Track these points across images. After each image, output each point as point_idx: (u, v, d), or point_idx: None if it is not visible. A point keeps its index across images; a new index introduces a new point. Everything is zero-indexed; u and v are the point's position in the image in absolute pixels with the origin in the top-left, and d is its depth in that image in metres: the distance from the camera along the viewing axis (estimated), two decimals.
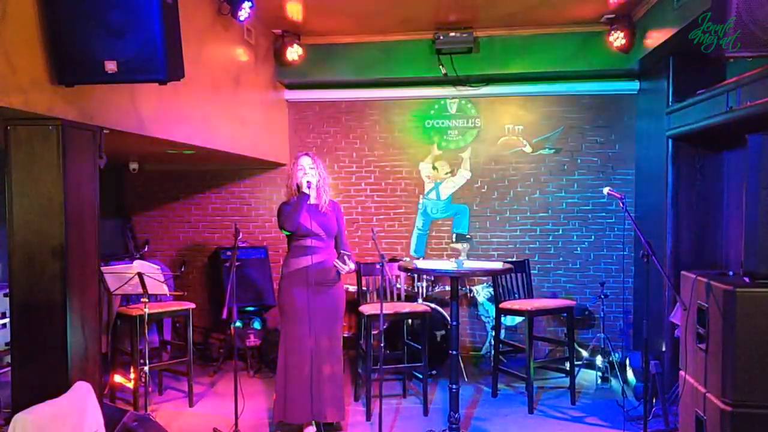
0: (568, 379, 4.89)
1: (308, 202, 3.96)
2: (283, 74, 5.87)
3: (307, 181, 3.93)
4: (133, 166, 6.03)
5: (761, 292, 3.01)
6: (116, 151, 4.56)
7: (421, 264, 4.37)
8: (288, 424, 4.07)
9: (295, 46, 5.60)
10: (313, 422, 4.04)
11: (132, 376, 4.40)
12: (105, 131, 3.23)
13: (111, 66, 2.67)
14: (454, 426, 3.88)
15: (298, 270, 3.98)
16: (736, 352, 3.00)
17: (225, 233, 6.43)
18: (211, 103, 4.45)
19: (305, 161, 4.00)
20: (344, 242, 4.16)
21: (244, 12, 4.52)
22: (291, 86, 6.16)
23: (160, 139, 3.77)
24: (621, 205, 3.79)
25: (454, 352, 3.93)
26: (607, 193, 3.99)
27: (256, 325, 5.74)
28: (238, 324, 5.47)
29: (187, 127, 4.09)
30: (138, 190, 6.55)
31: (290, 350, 3.98)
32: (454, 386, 3.88)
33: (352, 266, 4.02)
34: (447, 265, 4.05)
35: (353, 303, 5.14)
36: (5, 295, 4.60)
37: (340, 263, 3.94)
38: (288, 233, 4.02)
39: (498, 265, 4.15)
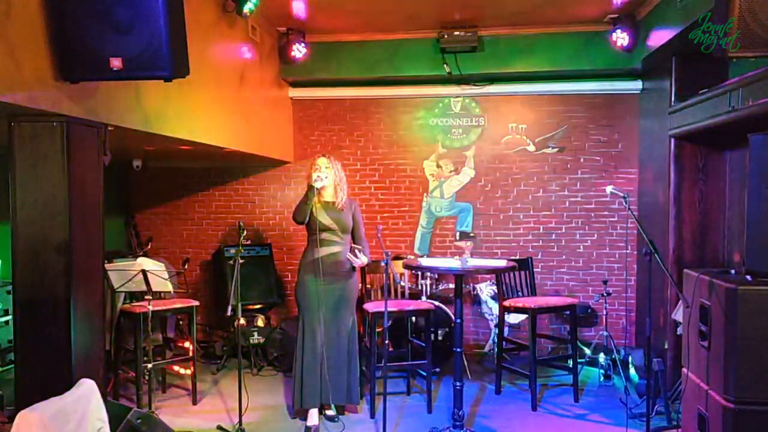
0: (570, 377, 4.90)
1: (325, 200, 4.23)
2: (288, 72, 5.88)
3: (316, 176, 4.15)
4: (136, 163, 6.05)
5: (763, 290, 3.01)
6: (120, 148, 4.57)
7: (426, 261, 4.39)
8: (305, 411, 4.24)
9: (300, 43, 5.60)
10: (317, 407, 4.23)
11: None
12: (109, 128, 3.24)
13: (116, 63, 2.68)
14: (458, 423, 3.89)
15: (311, 261, 4.21)
16: (738, 350, 3.00)
17: (229, 231, 6.46)
18: (215, 101, 4.46)
19: (321, 161, 4.26)
20: (361, 237, 4.37)
21: (250, 7, 4.50)
22: (295, 84, 6.17)
23: (164, 136, 3.78)
24: (624, 203, 3.79)
25: (459, 350, 3.94)
26: (610, 191, 3.99)
27: (260, 322, 5.76)
28: (241, 321, 5.48)
29: (191, 124, 4.10)
30: (141, 188, 6.57)
31: (305, 340, 4.20)
32: (458, 383, 3.89)
33: (365, 260, 4.26)
34: (452, 262, 4.06)
35: (358, 300, 5.14)
36: (8, 293, 4.63)
37: (353, 256, 4.20)
38: (299, 223, 4.23)
39: (502, 262, 4.16)
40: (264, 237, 6.41)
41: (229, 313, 3.94)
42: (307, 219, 4.17)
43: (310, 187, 4.17)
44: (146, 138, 3.89)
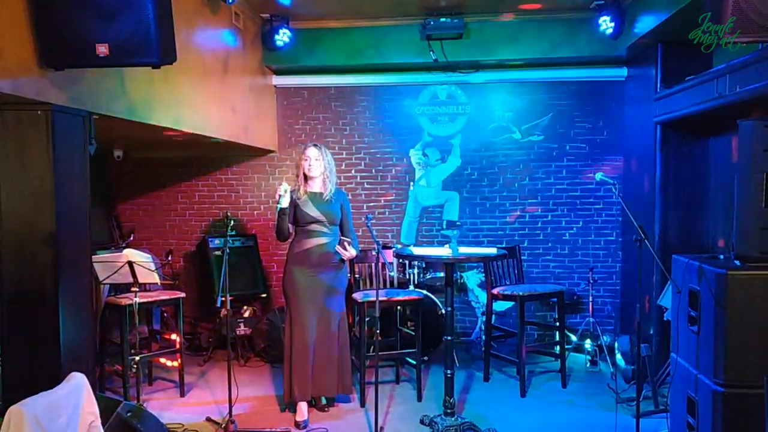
0: (557, 363, 4.95)
1: (312, 191, 4.15)
2: (271, 59, 5.80)
3: (282, 191, 4.04)
4: (118, 153, 5.93)
5: (752, 275, 3.04)
6: (103, 137, 4.48)
7: (418, 250, 4.38)
8: (295, 404, 4.20)
9: (284, 30, 5.51)
10: (307, 401, 4.20)
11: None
12: (95, 117, 3.17)
13: (102, 49, 2.62)
14: (449, 411, 3.89)
15: (300, 253, 4.14)
16: (728, 334, 3.04)
17: (213, 221, 6.38)
18: (200, 89, 4.39)
19: (311, 152, 4.16)
20: (350, 229, 4.29)
21: None
22: (279, 72, 6.09)
23: (149, 125, 3.70)
24: (613, 190, 3.81)
25: (449, 338, 3.94)
26: (600, 178, 4.00)
27: (246, 313, 5.71)
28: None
29: (176, 112, 4.02)
30: (122, 178, 6.44)
31: (294, 332, 4.13)
32: (448, 371, 3.90)
33: (354, 252, 4.17)
34: (442, 251, 4.05)
35: (346, 290, 5.12)
36: None
37: (341, 248, 4.11)
38: (284, 241, 4.21)
39: (492, 251, 4.16)
40: (248, 227, 6.35)
41: (218, 305, 3.89)
42: (294, 212, 4.11)
43: (282, 210, 4.05)
44: (130, 126, 3.80)
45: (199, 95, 4.38)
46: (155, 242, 6.42)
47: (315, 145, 4.20)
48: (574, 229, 6.05)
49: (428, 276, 5.68)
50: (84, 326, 3.10)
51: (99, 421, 2.85)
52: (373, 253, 4.33)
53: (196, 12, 4.30)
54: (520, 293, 4.75)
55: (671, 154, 4.88)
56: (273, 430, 4.00)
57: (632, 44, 5.06)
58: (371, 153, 6.22)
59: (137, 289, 4.17)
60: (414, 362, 4.61)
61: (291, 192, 4.10)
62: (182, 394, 4.71)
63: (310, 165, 4.12)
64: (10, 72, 2.52)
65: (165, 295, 4.70)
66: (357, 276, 4.93)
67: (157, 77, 3.56)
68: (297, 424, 4.09)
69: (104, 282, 4.29)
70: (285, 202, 4.03)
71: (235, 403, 4.02)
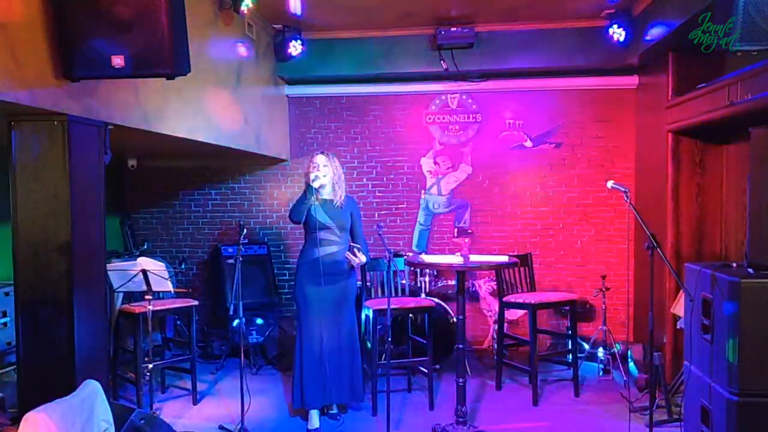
0: (570, 372, 4.92)
1: (323, 197, 4.16)
2: (284, 69, 5.86)
3: (315, 176, 4.10)
4: (132, 162, 6.01)
5: (765, 283, 3.02)
6: (117, 147, 4.54)
7: (428, 258, 4.38)
8: (305, 411, 4.22)
9: (296, 41, 5.57)
10: (318, 409, 4.22)
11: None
12: (110, 127, 3.22)
13: (118, 61, 2.67)
14: (461, 419, 3.89)
15: (310, 261, 4.15)
16: (741, 343, 3.02)
17: (226, 230, 6.43)
18: (213, 99, 4.44)
19: (320, 159, 4.18)
20: (360, 236, 4.30)
21: (247, 3, 4.48)
22: (291, 81, 6.15)
23: (164, 134, 3.75)
24: (625, 198, 3.79)
25: (461, 346, 3.94)
26: (611, 186, 3.99)
27: (258, 321, 5.74)
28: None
29: (190, 122, 4.08)
30: (137, 187, 6.53)
31: (304, 340, 4.15)
32: (460, 380, 3.89)
33: (364, 259, 4.20)
34: (454, 259, 4.06)
35: (357, 298, 5.13)
36: (6, 294, 4.58)
37: (351, 255, 4.14)
38: (296, 223, 4.18)
39: (504, 258, 4.16)
40: (261, 236, 6.39)
41: (231, 313, 3.92)
42: (305, 218, 4.12)
43: (309, 187, 4.09)
44: (145, 136, 3.85)
45: (212, 105, 4.43)
46: (169, 250, 6.48)
47: (323, 152, 4.23)
48: (587, 237, 6.02)
49: (440, 284, 5.68)
50: (98, 334, 3.14)
51: (113, 428, 2.88)
52: (384, 261, 4.34)
53: (209, 23, 4.36)
54: (532, 301, 4.74)
55: (683, 161, 4.85)
56: None
57: (643, 52, 5.05)
58: (382, 161, 6.24)
59: (151, 297, 4.21)
60: (426, 370, 4.60)
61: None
62: (195, 402, 4.73)
63: (317, 171, 4.11)
64: (27, 83, 2.57)
65: (178, 304, 4.74)
66: (368, 284, 4.94)
67: (171, 88, 3.61)
68: None
69: (118, 290, 4.33)
70: (317, 185, 4.05)
71: (247, 411, 4.03)
